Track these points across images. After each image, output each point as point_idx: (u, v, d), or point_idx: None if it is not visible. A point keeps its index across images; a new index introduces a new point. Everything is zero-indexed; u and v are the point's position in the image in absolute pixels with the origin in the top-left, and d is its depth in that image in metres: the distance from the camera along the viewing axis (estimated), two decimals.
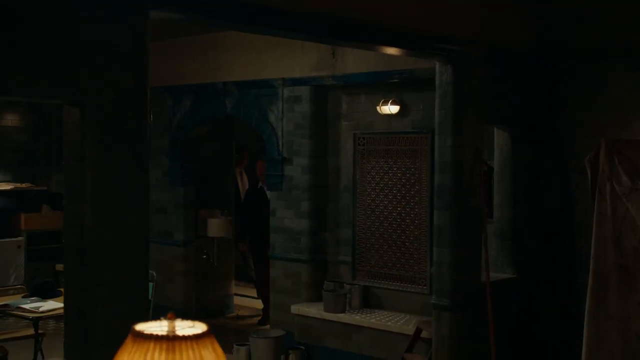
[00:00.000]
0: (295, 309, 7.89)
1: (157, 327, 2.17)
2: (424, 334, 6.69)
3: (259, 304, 9.95)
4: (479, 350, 6.14)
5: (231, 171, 10.10)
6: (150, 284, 7.46)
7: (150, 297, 7.39)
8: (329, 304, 7.61)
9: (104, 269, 3.60)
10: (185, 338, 2.09)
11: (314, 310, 7.72)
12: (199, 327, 2.19)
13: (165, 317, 2.15)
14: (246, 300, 10.74)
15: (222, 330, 9.16)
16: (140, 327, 2.14)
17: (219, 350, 2.16)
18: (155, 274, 7.99)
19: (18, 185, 10.27)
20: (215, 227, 9.35)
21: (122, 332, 3.59)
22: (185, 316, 7.38)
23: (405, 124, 7.50)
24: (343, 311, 7.57)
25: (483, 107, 6.20)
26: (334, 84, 7.83)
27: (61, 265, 10.39)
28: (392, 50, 5.79)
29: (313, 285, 8.02)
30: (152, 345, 2.06)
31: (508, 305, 6.61)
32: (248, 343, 7.60)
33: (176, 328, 2.15)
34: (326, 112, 8.05)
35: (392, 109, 7.49)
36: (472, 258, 6.21)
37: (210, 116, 8.94)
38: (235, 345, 7.70)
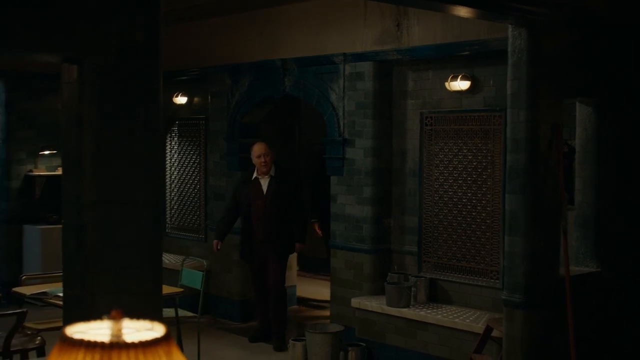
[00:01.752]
0: (356, 302, 7.31)
1: (98, 329, 1.62)
2: (495, 333, 6.00)
3: (323, 295, 9.44)
4: (556, 354, 5.43)
5: (293, 154, 9.59)
6: (200, 274, 7.01)
7: (200, 287, 6.96)
8: (392, 297, 6.99)
9: (107, 252, 3.10)
10: (128, 346, 1.53)
11: (375, 305, 7.12)
12: (156, 331, 1.63)
13: (110, 316, 1.60)
14: (310, 292, 10.22)
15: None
16: (74, 329, 1.60)
17: None
18: (206, 262, 7.52)
19: None
20: None
21: None
22: (243, 308, 6.94)
23: (477, 102, 6.81)
24: (407, 306, 6.94)
25: (563, 77, 5.47)
26: (399, 59, 7.19)
27: None
28: (461, 11, 5.12)
29: (376, 277, 7.42)
30: (81, 354, 1.51)
31: (590, 303, 5.88)
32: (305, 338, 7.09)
33: (123, 331, 1.60)
34: (390, 89, 7.43)
35: (462, 85, 6.81)
36: (549, 249, 5.50)
37: (268, 96, 8.42)
38: (291, 340, 7.20)
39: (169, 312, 6.82)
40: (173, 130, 9.97)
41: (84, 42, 3.03)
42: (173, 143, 10.00)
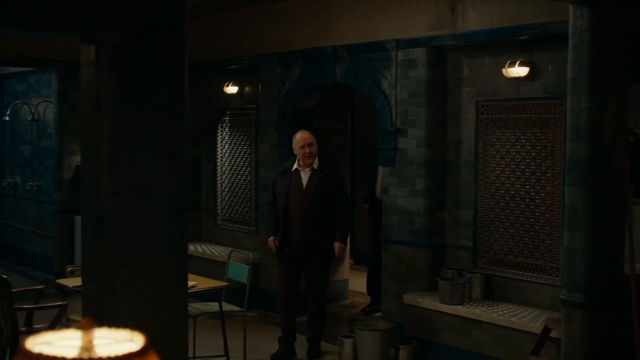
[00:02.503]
0: (407, 298, 7.02)
1: (68, 340, 1.39)
2: (553, 334, 5.66)
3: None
4: (619, 358, 5.07)
5: (346, 144, 9.34)
6: (247, 267, 6.82)
7: (246, 281, 6.76)
8: (445, 294, 6.69)
9: (126, 245, 2.90)
10: None
11: (428, 301, 6.83)
12: (136, 342, 1.40)
13: (80, 325, 1.37)
14: (363, 286, 9.95)
15: (332, 319, 8.42)
16: (40, 340, 1.38)
17: None
18: (252, 255, 7.32)
19: None
20: None
21: (150, 325, 2.87)
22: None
23: (536, 89, 6.44)
24: (461, 303, 6.63)
25: (628, 60, 5.09)
26: (454, 44, 6.87)
27: None
28: None
29: (429, 272, 7.12)
30: None
31: None
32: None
33: (96, 343, 1.37)
34: (445, 77, 7.10)
35: (520, 71, 6.46)
36: (612, 245, 5.14)
37: (319, 84, 8.17)
38: (340, 337, 6.95)
39: (213, 306, 6.65)
40: (224, 121, 9.81)
41: (102, 21, 2.83)
42: (224, 134, 9.84)
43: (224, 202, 9.84)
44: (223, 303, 6.85)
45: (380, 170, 7.86)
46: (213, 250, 9.35)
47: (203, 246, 9.67)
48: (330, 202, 6.88)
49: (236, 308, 6.79)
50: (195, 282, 6.10)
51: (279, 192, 7.02)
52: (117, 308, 2.89)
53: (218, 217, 9.94)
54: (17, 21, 2.74)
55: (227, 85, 9.42)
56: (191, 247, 9.56)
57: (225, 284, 6.24)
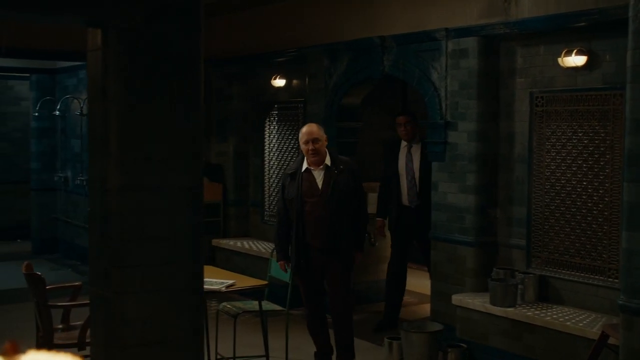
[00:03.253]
0: (456, 299, 6.71)
1: None
2: (611, 341, 5.29)
3: (426, 289, 8.86)
4: None
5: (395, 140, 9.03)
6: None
7: (288, 280, 6.54)
8: (496, 295, 6.36)
9: (135, 246, 2.69)
10: None
11: (478, 303, 6.50)
12: None
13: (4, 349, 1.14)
14: (412, 285, 9.65)
15: (377, 318, 8.17)
16: None
17: None
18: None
19: None
20: (375, 202, 8.28)
21: (161, 331, 2.66)
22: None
23: (594, 79, 6.06)
24: (513, 305, 6.29)
25: None
26: (507, 33, 6.51)
27: (218, 240, 9.89)
28: None
29: (479, 272, 6.79)
30: None
31: None
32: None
33: None
34: (497, 67, 6.75)
35: (577, 60, 6.08)
36: None
37: (367, 76, 7.89)
38: (386, 339, 6.68)
39: (255, 304, 6.45)
40: (272, 115, 9.61)
41: (108, 3, 2.62)
42: (271, 128, 9.65)
43: (271, 198, 9.65)
44: (265, 302, 6.66)
45: (412, 172, 7.61)
46: (259, 247, 9.16)
47: (250, 242, 9.50)
48: (349, 202, 6.23)
49: (278, 307, 6.57)
50: (234, 280, 5.90)
51: (291, 197, 6.25)
52: (126, 313, 2.69)
53: (265, 212, 9.75)
54: (19, 3, 2.56)
55: (275, 79, 9.22)
56: (237, 243, 9.39)
57: (265, 282, 6.03)
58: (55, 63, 11.46)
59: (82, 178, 10.65)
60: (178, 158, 2.74)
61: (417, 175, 7.56)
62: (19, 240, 12.76)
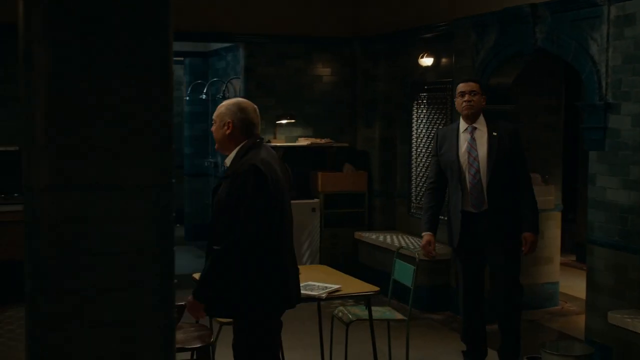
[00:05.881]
0: (614, 317, 5.58)
1: None
2: None
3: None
4: None
5: (556, 125, 7.90)
6: (411, 268, 5.76)
7: (410, 284, 5.72)
8: None
9: (71, 265, 2.03)
10: None
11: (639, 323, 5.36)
12: None
13: None
14: (568, 288, 8.46)
15: (534, 328, 7.14)
16: None
17: None
18: (418, 254, 6.19)
19: (316, 140, 9.17)
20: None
21: None
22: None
23: None
24: None
25: None
26: None
27: (360, 234, 9.17)
28: None
29: None
30: None
31: None
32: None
33: None
34: None
35: None
36: None
37: (517, 51, 6.84)
38: (525, 358, 5.70)
39: (379, 311, 5.69)
40: (420, 97, 8.74)
41: None
42: (419, 111, 8.78)
43: (418, 188, 8.80)
44: (384, 309, 5.88)
45: (477, 163, 5.56)
46: (402, 242, 8.35)
47: (394, 236, 8.71)
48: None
49: (398, 316, 5.76)
50: (339, 285, 5.16)
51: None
52: (70, 356, 2.04)
53: (412, 204, 8.92)
54: None
55: (422, 57, 8.34)
56: (380, 237, 8.65)
57: (376, 289, 5.22)
58: (208, 46, 11.20)
59: None
60: (134, 146, 2.05)
61: (484, 168, 5.53)
62: (177, 225, 12.74)
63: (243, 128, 4.02)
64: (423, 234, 5.78)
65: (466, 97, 5.58)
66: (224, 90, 9.92)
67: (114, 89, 2.03)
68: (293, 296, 4.08)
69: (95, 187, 2.04)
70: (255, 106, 4.17)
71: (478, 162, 5.53)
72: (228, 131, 4.03)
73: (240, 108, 4.05)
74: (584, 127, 6.09)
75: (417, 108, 8.80)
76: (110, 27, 2.01)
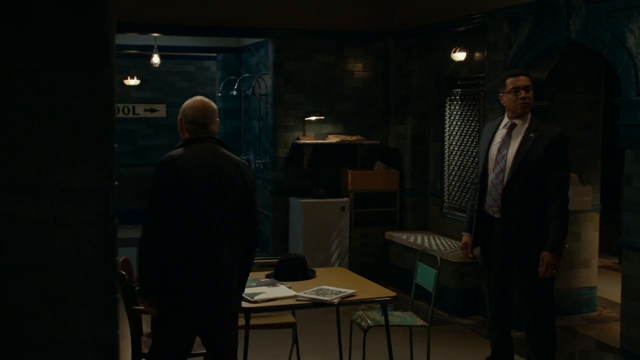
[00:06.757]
0: None
1: None
2: None
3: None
4: None
5: (595, 122, 7.53)
6: (433, 272, 5.49)
7: (431, 289, 5.45)
8: None
9: None
10: None
11: None
12: None
13: None
14: (605, 291, 8.08)
15: (568, 336, 6.80)
16: None
17: None
18: (440, 258, 5.89)
19: (346, 137, 8.93)
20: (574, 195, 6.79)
21: None
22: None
23: None
24: None
25: None
26: None
27: (391, 234, 8.89)
28: None
29: None
30: None
31: None
32: None
33: None
34: None
35: None
36: None
37: (550, 44, 6.49)
38: None
39: (393, 316, 5.43)
40: (453, 93, 8.44)
41: None
42: (452, 108, 8.48)
43: (451, 187, 8.50)
44: (407, 314, 5.63)
45: (504, 162, 5.07)
46: (434, 242, 8.06)
47: (425, 237, 8.43)
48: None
49: (419, 322, 5.49)
50: (354, 289, 4.91)
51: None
52: None
53: (445, 204, 8.62)
54: None
55: (455, 51, 8.03)
56: (410, 238, 8.37)
57: (393, 294, 4.95)
58: (240, 41, 11.04)
59: (260, 161, 10.13)
60: (67, 137, 1.83)
61: (508, 167, 5.01)
62: None
63: (188, 125, 4.09)
64: (463, 233, 5.44)
65: (522, 94, 5.03)
66: (254, 87, 9.73)
67: (43, 79, 1.82)
68: (186, 304, 3.90)
69: (15, 190, 1.83)
70: (211, 106, 4.15)
71: (505, 161, 5.05)
72: (179, 128, 4.16)
73: (188, 106, 4.12)
74: (620, 124, 5.73)
75: (449, 104, 8.50)
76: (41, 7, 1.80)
